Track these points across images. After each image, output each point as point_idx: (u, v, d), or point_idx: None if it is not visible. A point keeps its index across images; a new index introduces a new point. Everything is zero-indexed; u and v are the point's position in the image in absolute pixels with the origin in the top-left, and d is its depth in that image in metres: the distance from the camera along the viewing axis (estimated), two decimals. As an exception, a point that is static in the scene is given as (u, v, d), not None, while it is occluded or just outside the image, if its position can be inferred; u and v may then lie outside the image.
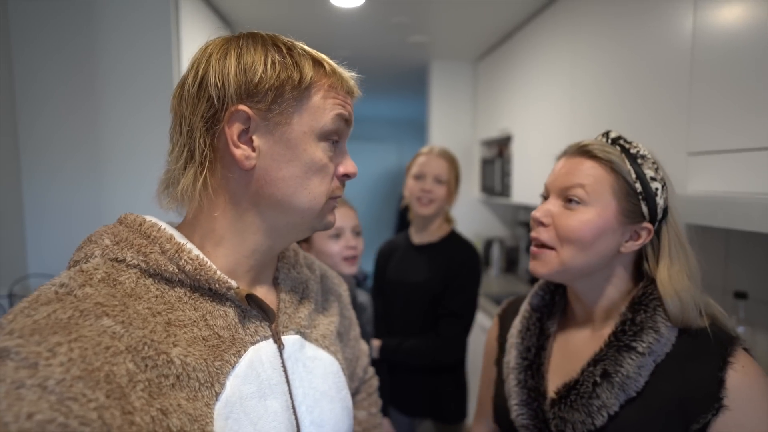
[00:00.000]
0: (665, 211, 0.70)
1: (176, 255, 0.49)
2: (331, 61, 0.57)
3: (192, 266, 0.49)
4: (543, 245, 0.70)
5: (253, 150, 0.52)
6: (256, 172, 0.52)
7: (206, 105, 0.51)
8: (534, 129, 2.34)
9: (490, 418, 0.85)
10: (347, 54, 3.05)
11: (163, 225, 0.52)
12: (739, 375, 0.60)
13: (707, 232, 1.59)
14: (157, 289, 0.48)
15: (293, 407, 0.55)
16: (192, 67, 0.53)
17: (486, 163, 3.05)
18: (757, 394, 0.60)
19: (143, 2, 1.73)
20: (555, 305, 0.80)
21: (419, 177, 1.49)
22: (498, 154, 2.97)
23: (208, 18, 2.19)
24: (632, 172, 0.69)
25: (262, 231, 0.55)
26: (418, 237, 1.55)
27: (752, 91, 1.08)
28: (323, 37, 2.72)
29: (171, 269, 0.49)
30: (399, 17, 2.41)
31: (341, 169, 0.58)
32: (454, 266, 1.44)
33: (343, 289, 0.79)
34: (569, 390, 0.68)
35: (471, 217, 3.28)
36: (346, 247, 1.19)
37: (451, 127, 3.33)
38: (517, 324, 0.81)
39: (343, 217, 1.20)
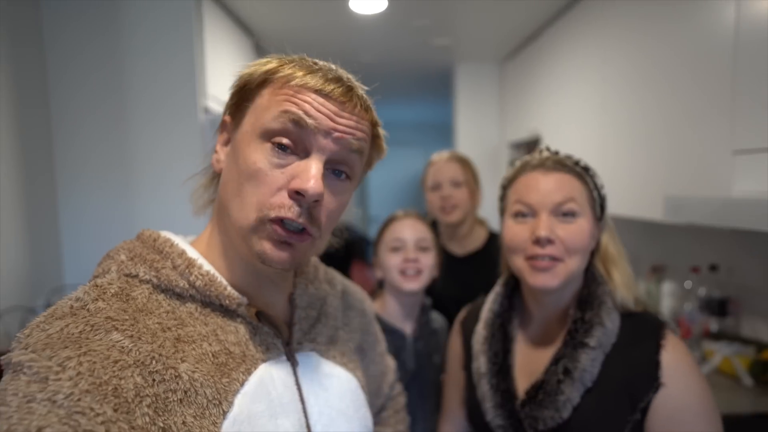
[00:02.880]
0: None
1: (187, 270, 0.49)
2: (313, 60, 0.52)
3: (202, 282, 0.49)
4: (554, 259, 0.74)
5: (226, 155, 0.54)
6: (222, 178, 0.53)
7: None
8: (564, 129, 2.26)
9: (457, 419, 0.93)
10: (370, 60, 3.04)
11: (177, 240, 0.52)
12: (670, 355, 0.70)
13: (759, 236, 1.48)
14: (169, 305, 0.48)
15: (308, 426, 0.53)
16: None
17: (514, 166, 2.97)
18: (686, 368, 0.69)
19: (168, 20, 1.78)
20: (514, 309, 0.86)
21: (435, 187, 1.44)
22: (527, 157, 2.89)
23: (232, 30, 2.24)
24: (590, 182, 0.77)
25: (233, 246, 0.53)
26: (458, 247, 1.48)
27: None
28: (345, 44, 2.73)
29: (182, 284, 0.49)
30: (422, 20, 2.38)
31: (292, 183, 0.47)
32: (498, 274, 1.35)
33: (368, 305, 0.76)
34: (537, 390, 0.73)
35: (497, 222, 3.20)
36: (405, 260, 1.08)
37: (478, 130, 3.27)
38: (481, 330, 0.85)
39: (406, 229, 1.12)
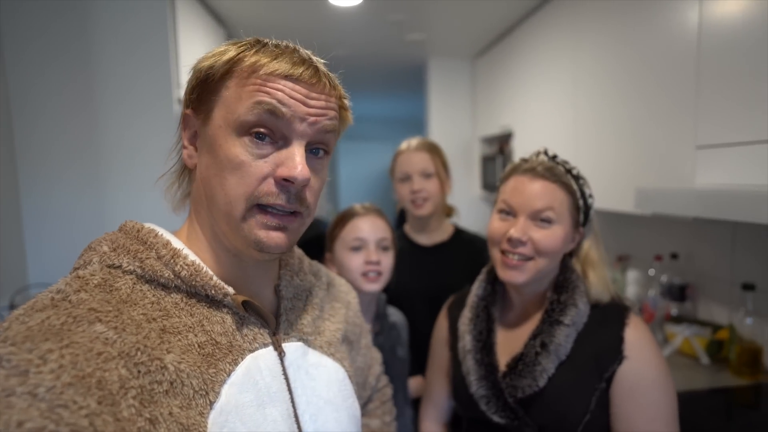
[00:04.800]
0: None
1: (172, 260, 0.49)
2: (275, 43, 0.50)
3: (188, 272, 0.49)
4: (522, 258, 0.83)
5: (196, 149, 0.53)
6: (198, 173, 0.53)
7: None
8: (536, 125, 2.34)
9: (439, 399, 1.00)
10: (344, 53, 3.03)
11: (161, 231, 0.52)
12: (632, 331, 0.80)
13: (715, 225, 1.59)
14: (153, 296, 0.47)
15: (296, 416, 0.53)
16: None
17: (486, 161, 3.04)
18: (645, 343, 0.80)
19: (140, 7, 1.71)
20: (496, 294, 0.94)
21: (405, 179, 1.38)
22: (499, 151, 2.97)
23: (205, 21, 2.18)
24: (578, 191, 0.84)
25: (219, 238, 0.53)
26: (425, 238, 1.44)
27: (759, 84, 1.07)
28: (320, 36, 2.71)
29: (167, 275, 0.48)
30: (396, 15, 2.39)
31: (278, 171, 0.48)
32: (480, 260, 1.28)
33: (352, 297, 0.77)
34: (517, 362, 0.82)
35: (472, 215, 3.28)
36: (367, 262, 1.03)
37: (450, 125, 3.32)
38: (467, 313, 0.94)
39: (367, 228, 1.06)
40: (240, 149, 0.48)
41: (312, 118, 0.49)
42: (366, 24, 2.52)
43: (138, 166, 1.74)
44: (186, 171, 0.56)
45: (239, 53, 0.49)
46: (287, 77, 0.48)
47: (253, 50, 0.49)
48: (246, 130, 0.48)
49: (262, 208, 0.49)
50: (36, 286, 1.67)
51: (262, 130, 0.48)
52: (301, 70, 0.48)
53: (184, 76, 1.88)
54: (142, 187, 1.72)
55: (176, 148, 0.57)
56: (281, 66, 0.47)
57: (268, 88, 0.47)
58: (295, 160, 0.48)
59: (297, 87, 0.48)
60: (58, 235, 1.71)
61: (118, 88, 1.72)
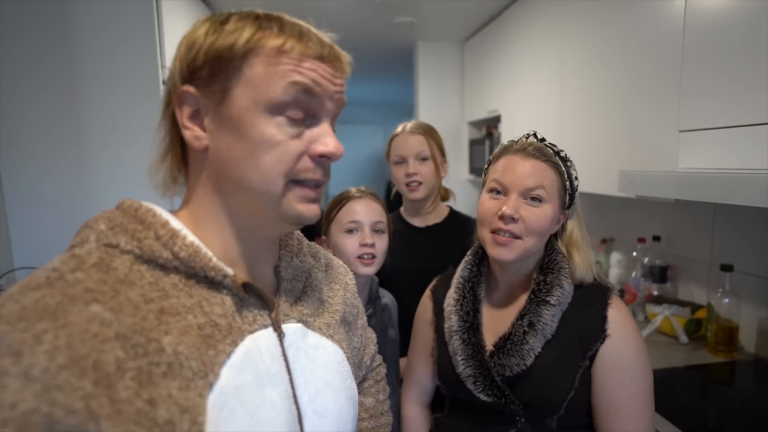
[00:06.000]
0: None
1: (170, 241, 0.48)
2: (290, 21, 0.50)
3: (186, 252, 0.48)
4: (512, 235, 0.84)
5: (204, 130, 0.50)
6: (211, 153, 0.51)
7: (169, 89, 0.52)
8: (523, 108, 2.35)
9: (421, 381, 1.01)
10: (333, 35, 2.99)
11: (160, 210, 0.51)
12: (614, 311, 0.83)
13: (695, 208, 1.63)
14: (152, 276, 0.47)
15: (294, 397, 0.54)
16: None
17: (475, 144, 3.05)
18: (626, 322, 0.83)
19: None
20: (482, 276, 0.95)
21: (400, 162, 1.38)
22: (487, 135, 2.98)
23: (192, 4, 2.13)
24: (566, 173, 0.85)
25: (237, 216, 0.53)
26: (419, 220, 1.45)
27: (740, 70, 1.09)
28: (307, 16, 2.66)
29: (165, 255, 0.48)
30: (385, -3, 2.36)
31: (315, 148, 0.50)
32: (470, 244, 1.27)
33: (350, 278, 0.77)
34: (505, 341, 0.84)
35: (461, 198, 3.28)
36: (361, 245, 1.05)
37: (439, 108, 3.32)
38: (453, 294, 0.94)
39: (363, 211, 1.08)
40: (275, 129, 0.48)
41: (337, 96, 0.52)
42: (354, 6, 2.49)
43: (121, 148, 1.72)
44: (172, 152, 0.54)
45: (259, 32, 0.48)
46: (318, 58, 0.50)
47: (275, 29, 0.49)
48: (280, 109, 0.48)
49: (299, 182, 0.51)
50: (21, 269, 1.66)
51: (299, 114, 0.49)
52: (327, 50, 0.51)
53: (169, 56, 1.85)
54: (126, 169, 1.70)
55: (162, 128, 0.54)
56: (312, 47, 0.49)
57: (302, 69, 0.49)
58: (328, 137, 0.51)
59: (326, 67, 0.51)
60: (42, 218, 1.69)
61: (101, 70, 1.68)
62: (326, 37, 0.53)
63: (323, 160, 0.51)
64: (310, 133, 0.51)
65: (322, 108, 0.51)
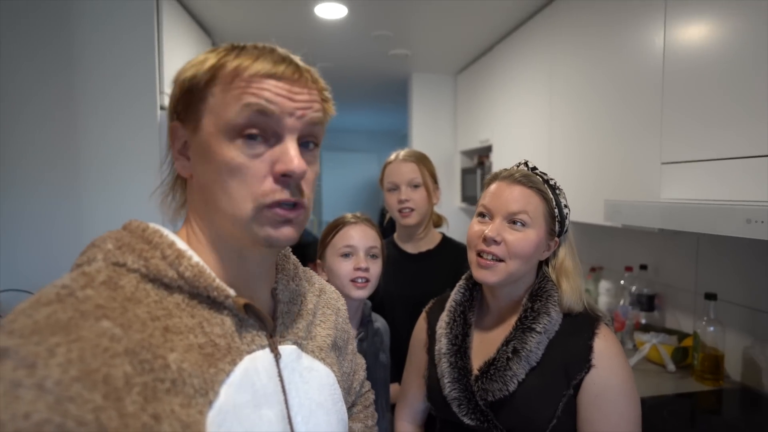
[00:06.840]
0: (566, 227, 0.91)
1: (176, 261, 0.49)
2: (253, 45, 0.51)
3: (191, 273, 0.49)
4: (495, 258, 0.86)
5: (188, 159, 0.54)
6: (194, 181, 0.54)
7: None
8: (514, 139, 2.42)
9: (414, 401, 1.04)
10: (329, 65, 3.08)
11: (166, 231, 0.53)
12: (601, 341, 0.83)
13: (680, 238, 1.68)
14: (156, 295, 0.48)
15: (289, 417, 0.54)
16: None
17: (467, 173, 3.11)
18: (613, 353, 0.82)
19: (128, 23, 1.71)
20: (474, 300, 0.97)
21: (393, 188, 1.41)
22: (478, 164, 3.04)
23: (191, 29, 2.20)
24: (554, 200, 0.88)
25: (222, 239, 0.54)
26: (411, 247, 1.46)
27: (717, 106, 1.16)
28: (305, 48, 2.74)
29: (171, 275, 0.49)
30: (381, 30, 2.46)
31: (276, 167, 0.50)
32: (463, 268, 1.26)
33: (341, 304, 0.79)
34: (489, 366, 0.85)
35: (453, 226, 3.32)
36: (356, 269, 1.08)
37: (432, 137, 3.40)
38: (444, 317, 0.97)
39: (358, 236, 1.11)
40: (235, 152, 0.49)
41: (300, 112, 0.51)
42: (351, 38, 2.58)
43: (117, 172, 1.72)
44: (179, 181, 0.58)
45: (220, 59, 0.50)
46: (270, 76, 0.49)
47: (233, 54, 0.50)
48: (238, 132, 0.49)
49: (269, 207, 0.50)
50: (8, 291, 1.63)
51: (253, 131, 0.49)
52: (282, 67, 0.50)
53: (168, 82, 1.89)
54: (121, 193, 1.70)
55: (168, 161, 0.58)
56: (263, 66, 0.49)
57: (253, 89, 0.49)
58: (290, 154, 0.50)
59: (280, 84, 0.50)
60: (33, 241, 1.67)
61: (99, 93, 1.70)
62: (291, 54, 0.53)
63: (286, 179, 0.50)
64: (272, 153, 0.50)
65: (281, 126, 0.50)
